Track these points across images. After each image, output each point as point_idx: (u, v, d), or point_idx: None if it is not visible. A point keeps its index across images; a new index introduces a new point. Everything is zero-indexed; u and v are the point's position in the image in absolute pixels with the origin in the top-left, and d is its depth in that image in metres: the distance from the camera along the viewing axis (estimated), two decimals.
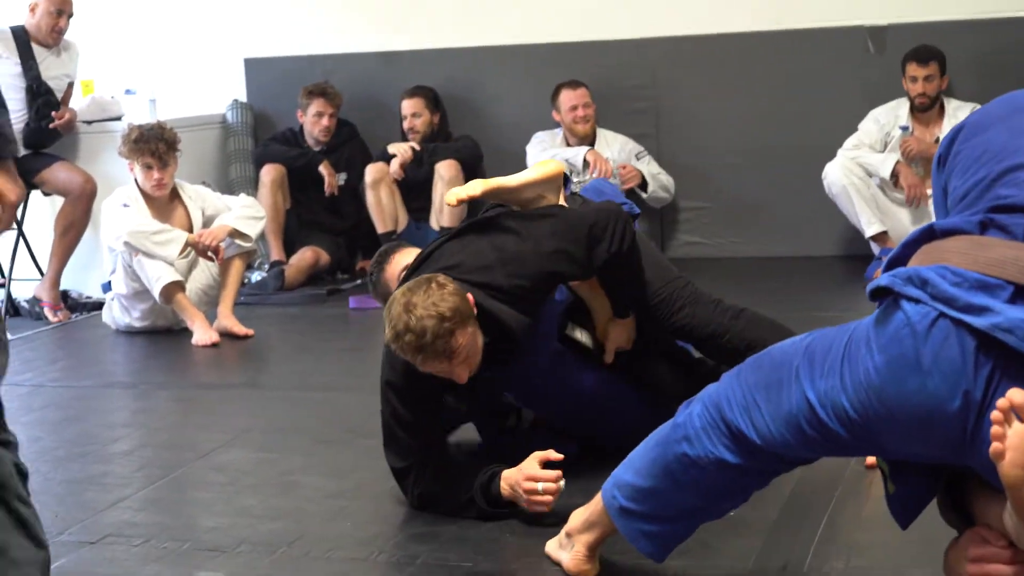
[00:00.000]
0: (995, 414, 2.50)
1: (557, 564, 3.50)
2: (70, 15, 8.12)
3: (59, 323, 7.69)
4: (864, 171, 7.67)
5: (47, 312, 7.82)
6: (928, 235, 2.76)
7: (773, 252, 8.29)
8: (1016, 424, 2.49)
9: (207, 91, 9.19)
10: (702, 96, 8.45)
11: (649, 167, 8.26)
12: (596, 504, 3.33)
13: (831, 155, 7.73)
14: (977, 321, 2.55)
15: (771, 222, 8.35)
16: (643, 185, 8.14)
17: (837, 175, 7.64)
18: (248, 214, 6.99)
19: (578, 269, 4.13)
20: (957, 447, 2.64)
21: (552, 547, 3.54)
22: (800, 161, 8.10)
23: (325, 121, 8.49)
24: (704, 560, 3.50)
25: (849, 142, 7.74)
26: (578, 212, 4.24)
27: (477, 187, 4.28)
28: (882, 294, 2.73)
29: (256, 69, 9.19)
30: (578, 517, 3.43)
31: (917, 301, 2.62)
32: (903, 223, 7.51)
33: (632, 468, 3.19)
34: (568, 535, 3.46)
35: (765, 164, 8.33)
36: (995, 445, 2.51)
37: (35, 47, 8.05)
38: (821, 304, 6.74)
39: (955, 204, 2.84)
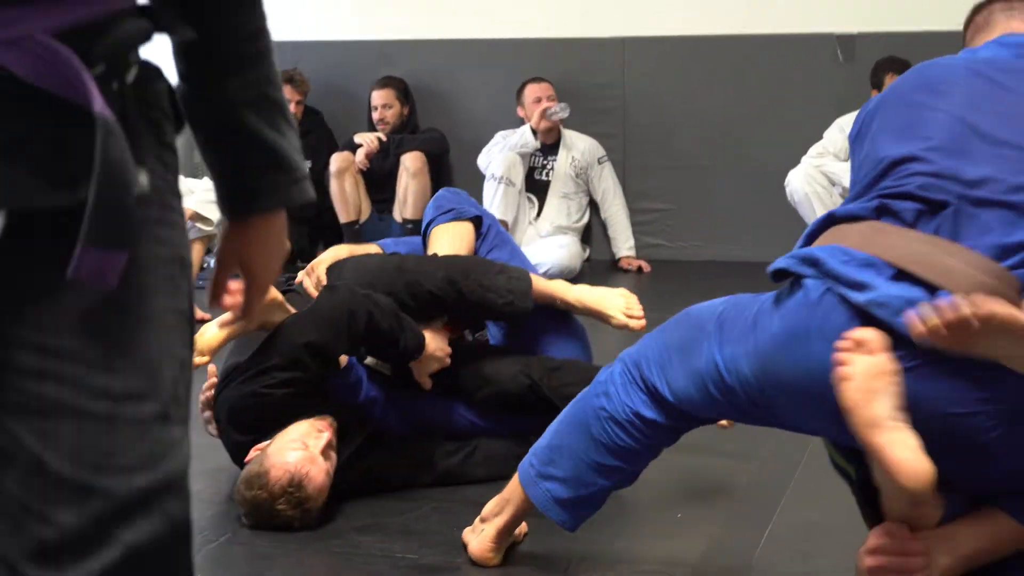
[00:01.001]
0: (842, 343, 2.58)
1: (464, 548, 3.50)
2: None
3: None
4: (827, 179, 7.68)
5: None
6: (829, 221, 2.86)
7: (735, 256, 8.31)
8: (861, 357, 2.56)
9: (172, 76, 9.13)
10: (670, 97, 8.47)
11: (603, 180, 8.30)
12: (512, 482, 3.35)
13: (796, 162, 7.75)
14: (856, 297, 2.63)
15: (734, 226, 8.37)
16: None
17: (800, 183, 7.66)
18: (210, 198, 6.94)
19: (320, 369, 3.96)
20: (841, 418, 2.66)
21: (466, 532, 3.53)
22: (765, 167, 8.13)
23: (291, 108, 8.44)
24: (646, 560, 3.49)
25: (813, 150, 7.76)
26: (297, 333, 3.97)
27: (207, 352, 4.04)
28: (781, 275, 2.82)
29: None
30: (493, 501, 3.44)
31: (803, 281, 2.73)
32: None
33: (550, 430, 3.25)
34: (482, 520, 3.46)
35: (730, 168, 8.35)
36: (839, 370, 2.57)
37: None
38: None
39: (852, 186, 2.96)
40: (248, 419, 3.91)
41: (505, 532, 3.41)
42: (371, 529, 3.76)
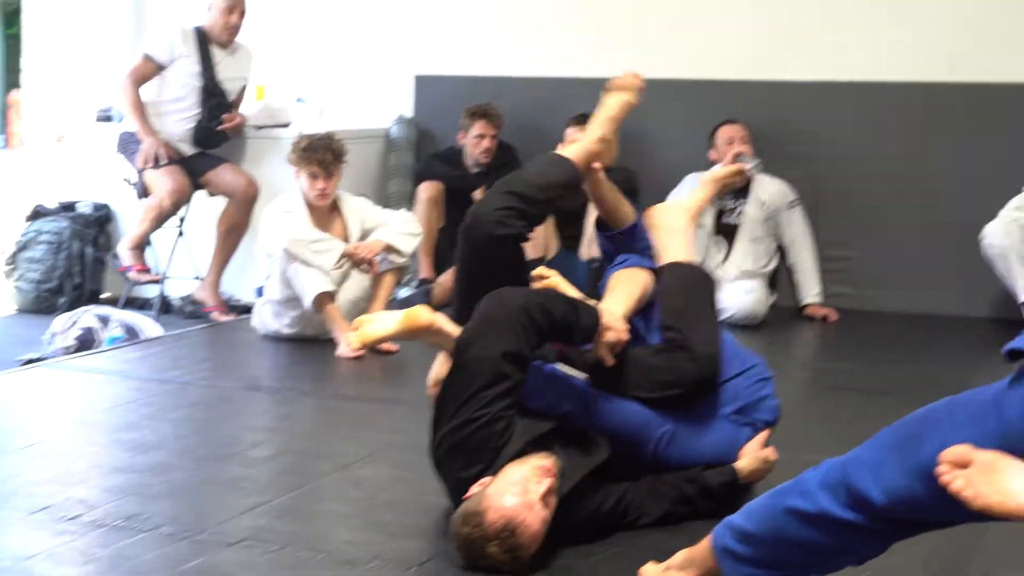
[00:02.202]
0: (941, 471, 2.60)
1: None
2: (243, 12, 8.30)
3: (210, 325, 7.82)
4: None
5: (216, 315, 7.96)
6: None
7: (923, 309, 8.20)
8: (961, 471, 2.59)
9: (374, 104, 9.33)
10: (863, 144, 8.40)
11: (792, 224, 8.26)
12: (703, 543, 3.35)
13: (991, 215, 7.63)
14: None
15: (923, 278, 8.26)
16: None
17: (998, 236, 7.54)
18: (406, 230, 7.08)
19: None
20: None
21: (649, 571, 3.56)
22: (959, 218, 8.01)
23: (486, 143, 8.57)
24: None
25: (1012, 203, 7.64)
26: None
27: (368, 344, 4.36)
28: (1019, 355, 2.75)
29: (426, 86, 9.31)
30: (683, 554, 3.45)
31: None
32: None
33: (745, 512, 3.23)
34: (668, 568, 3.49)
35: (922, 218, 8.25)
36: (965, 492, 2.57)
37: (212, 48, 8.25)
38: (964, 366, 6.67)
39: None
40: (470, 447, 3.89)
41: None
42: (559, 570, 3.80)
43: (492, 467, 3.85)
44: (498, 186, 4.42)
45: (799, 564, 3.15)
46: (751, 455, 4.36)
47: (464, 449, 3.91)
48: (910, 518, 2.95)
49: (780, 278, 8.43)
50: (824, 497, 3.00)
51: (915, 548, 3.38)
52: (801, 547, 3.09)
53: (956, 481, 2.59)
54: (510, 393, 3.90)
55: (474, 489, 3.81)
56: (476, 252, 4.32)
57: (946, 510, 2.86)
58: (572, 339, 4.13)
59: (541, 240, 8.45)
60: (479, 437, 3.88)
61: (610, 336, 4.15)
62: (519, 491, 3.72)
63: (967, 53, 8.21)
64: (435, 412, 4.04)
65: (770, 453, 4.37)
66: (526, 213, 4.29)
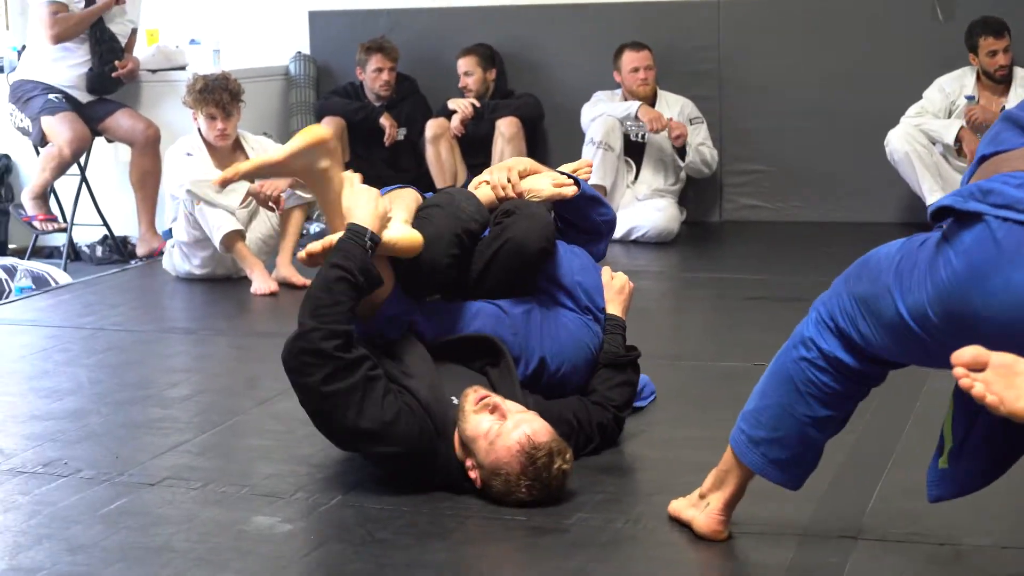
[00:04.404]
0: (959, 374, 2.53)
1: (686, 524, 3.46)
2: None
3: (122, 269, 7.73)
4: (927, 138, 7.62)
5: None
6: (980, 162, 2.80)
7: (833, 217, 8.27)
8: (979, 375, 2.52)
9: (271, 43, 9.22)
10: (765, 59, 8.41)
11: (697, 136, 8.16)
12: (726, 453, 3.31)
13: (894, 122, 7.69)
14: None
15: (832, 187, 8.31)
16: (682, 152, 8.07)
17: (900, 142, 7.60)
18: None
19: None
20: None
21: (681, 505, 3.49)
22: (863, 127, 8.07)
23: (385, 76, 8.51)
24: (754, 521, 3.50)
25: (912, 110, 7.70)
26: None
27: (243, 167, 4.29)
28: (944, 215, 2.75)
29: (320, 22, 9.21)
30: (711, 476, 3.39)
31: (980, 216, 2.64)
32: None
33: (754, 393, 3.23)
34: (702, 496, 3.42)
35: (827, 129, 8.29)
36: (988, 399, 2.51)
37: None
38: None
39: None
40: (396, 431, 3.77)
41: (730, 504, 3.37)
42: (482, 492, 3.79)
43: (441, 435, 3.79)
44: (449, 224, 4.25)
45: (810, 424, 3.12)
46: (614, 297, 4.36)
47: (383, 437, 3.79)
48: (891, 360, 3.00)
49: (689, 195, 8.45)
50: (823, 340, 3.03)
51: (833, 451, 3.42)
52: (811, 399, 3.08)
53: (976, 387, 2.53)
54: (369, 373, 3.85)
55: (474, 474, 3.74)
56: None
57: (912, 360, 2.93)
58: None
59: (449, 168, 8.44)
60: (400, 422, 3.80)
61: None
62: (500, 426, 3.68)
63: None
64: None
65: (622, 279, 4.39)
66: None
